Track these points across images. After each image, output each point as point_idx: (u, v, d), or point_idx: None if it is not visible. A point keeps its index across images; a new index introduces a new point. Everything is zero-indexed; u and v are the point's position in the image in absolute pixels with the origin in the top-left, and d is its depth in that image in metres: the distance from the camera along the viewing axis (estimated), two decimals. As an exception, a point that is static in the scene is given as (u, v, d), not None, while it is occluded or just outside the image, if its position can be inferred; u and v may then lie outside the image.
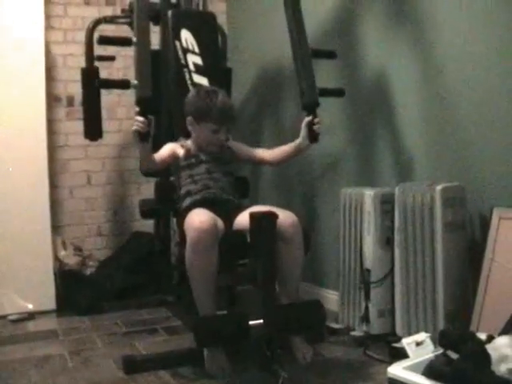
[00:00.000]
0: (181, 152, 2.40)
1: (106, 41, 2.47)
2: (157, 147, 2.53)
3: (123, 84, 2.26)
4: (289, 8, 2.48)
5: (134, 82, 2.19)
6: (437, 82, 2.32)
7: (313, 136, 2.36)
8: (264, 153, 2.54)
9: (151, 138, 2.57)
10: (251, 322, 1.90)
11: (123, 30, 2.71)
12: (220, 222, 2.09)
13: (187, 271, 2.04)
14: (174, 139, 2.50)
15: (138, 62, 2.23)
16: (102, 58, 2.91)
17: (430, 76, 2.36)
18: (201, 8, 3.07)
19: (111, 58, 2.99)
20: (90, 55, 2.90)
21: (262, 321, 1.89)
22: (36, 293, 2.92)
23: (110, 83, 2.37)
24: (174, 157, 2.39)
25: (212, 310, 2.08)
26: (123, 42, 2.33)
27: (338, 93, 2.54)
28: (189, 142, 2.43)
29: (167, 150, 2.40)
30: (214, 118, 2.32)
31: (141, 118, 2.11)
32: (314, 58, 2.43)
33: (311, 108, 2.36)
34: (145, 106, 2.17)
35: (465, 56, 2.19)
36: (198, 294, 2.07)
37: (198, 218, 2.02)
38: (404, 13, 2.44)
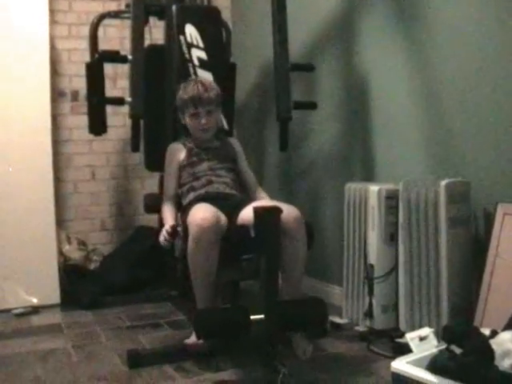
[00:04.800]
0: (182, 154, 2.40)
1: (106, 58, 2.62)
2: (161, 145, 2.53)
3: (118, 101, 2.44)
4: (275, 22, 2.57)
5: (128, 99, 2.36)
6: (441, 78, 2.32)
7: None
8: (251, 185, 2.49)
9: (146, 138, 2.64)
10: (252, 317, 1.89)
11: (127, 25, 2.71)
12: (223, 217, 2.08)
13: (189, 265, 2.05)
14: (177, 135, 2.51)
15: (132, 80, 2.39)
16: (106, 53, 2.91)
17: (434, 71, 2.35)
18: (205, 3, 3.08)
19: (115, 53, 2.99)
20: (94, 50, 2.91)
21: (263, 316, 1.89)
22: (40, 287, 2.93)
23: (108, 100, 2.54)
24: (180, 166, 2.39)
25: (210, 303, 2.09)
26: (121, 59, 2.46)
27: (310, 106, 2.76)
28: (190, 140, 2.44)
29: (172, 172, 2.39)
30: (187, 102, 2.36)
31: (168, 230, 2.10)
32: (293, 71, 2.59)
33: (285, 122, 2.59)
34: (137, 122, 2.38)
35: (466, 52, 2.19)
36: (197, 288, 2.09)
37: (200, 215, 2.01)
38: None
